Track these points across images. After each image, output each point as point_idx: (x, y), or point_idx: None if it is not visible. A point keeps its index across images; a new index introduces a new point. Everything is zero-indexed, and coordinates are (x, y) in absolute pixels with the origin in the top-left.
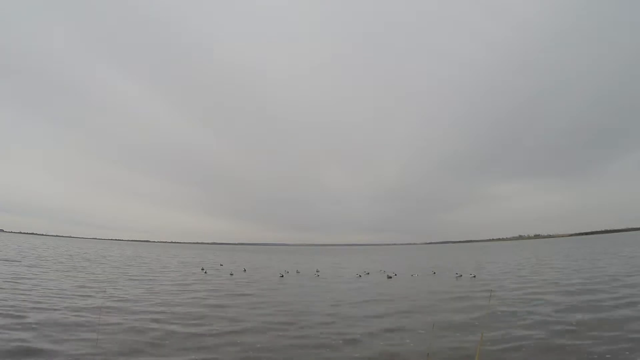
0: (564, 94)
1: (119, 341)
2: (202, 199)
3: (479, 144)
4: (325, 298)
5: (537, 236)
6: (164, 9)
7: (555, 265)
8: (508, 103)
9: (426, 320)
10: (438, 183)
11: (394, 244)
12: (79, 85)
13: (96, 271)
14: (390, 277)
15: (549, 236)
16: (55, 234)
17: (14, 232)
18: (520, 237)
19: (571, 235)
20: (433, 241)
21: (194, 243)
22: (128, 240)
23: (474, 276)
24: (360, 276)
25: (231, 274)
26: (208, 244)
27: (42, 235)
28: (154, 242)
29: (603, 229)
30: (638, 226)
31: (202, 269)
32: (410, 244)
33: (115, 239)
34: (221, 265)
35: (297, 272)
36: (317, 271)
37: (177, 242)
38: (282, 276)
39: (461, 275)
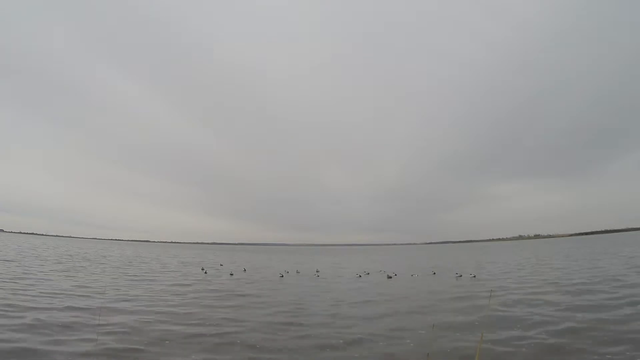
0: (564, 94)
1: (119, 341)
2: (202, 199)
3: (479, 144)
4: (326, 298)
5: (537, 236)
6: (164, 9)
7: (555, 265)
8: (508, 103)
9: (426, 321)
10: (438, 183)
11: (394, 244)
12: (79, 85)
13: (96, 271)
14: (390, 277)
15: (549, 236)
16: (55, 234)
17: (14, 232)
18: (520, 237)
19: (571, 235)
20: (433, 241)
21: (194, 243)
22: (128, 240)
23: (474, 276)
24: (360, 276)
25: (231, 274)
26: (208, 244)
27: (42, 235)
28: (154, 242)
29: (603, 229)
30: (638, 226)
31: (202, 269)
32: (410, 244)
33: (115, 239)
34: (221, 265)
35: (297, 272)
36: (317, 271)
37: (177, 242)
38: (282, 276)
39: (461, 276)
